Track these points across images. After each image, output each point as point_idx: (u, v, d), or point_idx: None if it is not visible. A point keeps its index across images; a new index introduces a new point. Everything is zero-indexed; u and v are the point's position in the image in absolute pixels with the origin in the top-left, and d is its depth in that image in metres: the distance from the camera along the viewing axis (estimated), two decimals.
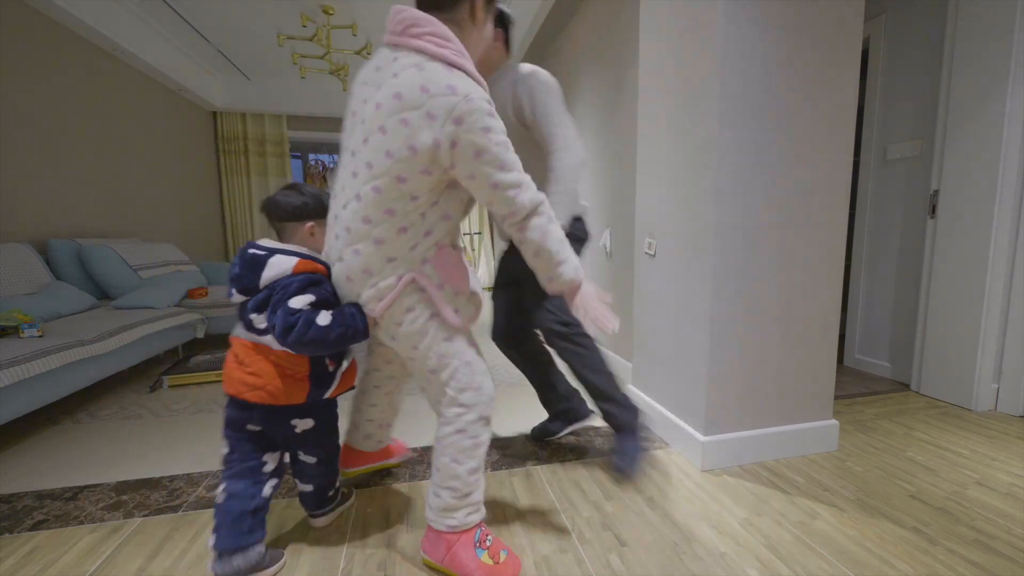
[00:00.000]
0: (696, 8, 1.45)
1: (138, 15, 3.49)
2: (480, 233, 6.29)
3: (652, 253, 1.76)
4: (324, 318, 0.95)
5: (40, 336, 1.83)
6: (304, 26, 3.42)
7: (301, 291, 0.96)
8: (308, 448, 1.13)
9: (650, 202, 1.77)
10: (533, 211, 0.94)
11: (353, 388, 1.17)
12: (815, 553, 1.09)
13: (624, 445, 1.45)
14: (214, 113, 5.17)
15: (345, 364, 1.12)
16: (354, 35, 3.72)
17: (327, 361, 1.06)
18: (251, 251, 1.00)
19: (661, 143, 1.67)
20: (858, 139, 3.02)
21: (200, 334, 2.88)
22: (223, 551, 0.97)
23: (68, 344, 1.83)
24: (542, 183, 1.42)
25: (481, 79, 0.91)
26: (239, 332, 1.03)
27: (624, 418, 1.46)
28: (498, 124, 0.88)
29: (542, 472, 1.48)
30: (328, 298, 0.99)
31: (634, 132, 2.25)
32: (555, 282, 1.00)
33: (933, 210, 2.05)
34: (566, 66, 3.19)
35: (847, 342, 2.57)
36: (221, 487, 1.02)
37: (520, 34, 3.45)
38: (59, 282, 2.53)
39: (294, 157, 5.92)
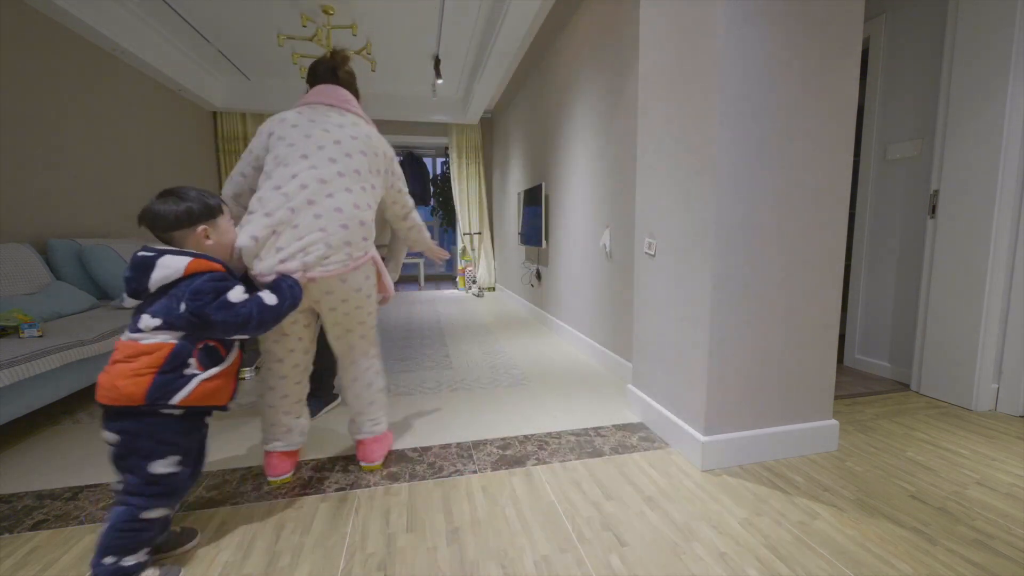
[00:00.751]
0: (696, 8, 1.45)
1: (138, 15, 3.49)
2: (480, 233, 6.29)
3: (652, 253, 1.76)
4: (270, 297, 1.11)
5: (40, 336, 1.83)
6: (304, 26, 3.42)
7: (220, 289, 1.03)
8: (119, 466, 0.96)
9: (650, 202, 1.77)
10: (412, 208, 1.62)
11: (224, 408, 1.08)
12: (815, 553, 1.09)
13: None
14: (214, 113, 5.18)
15: (212, 371, 1.03)
16: (354, 35, 3.72)
17: (192, 362, 1.00)
18: (140, 253, 0.99)
19: (661, 143, 1.67)
20: (858, 139, 3.02)
21: None
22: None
23: (68, 344, 1.83)
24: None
25: None
26: (125, 334, 1.00)
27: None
28: None
29: (542, 472, 1.48)
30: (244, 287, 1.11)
31: (634, 132, 2.25)
32: (427, 243, 1.71)
33: (933, 210, 2.05)
34: (566, 66, 3.19)
35: (847, 342, 2.57)
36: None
37: (520, 34, 3.45)
38: (59, 282, 2.53)
39: None
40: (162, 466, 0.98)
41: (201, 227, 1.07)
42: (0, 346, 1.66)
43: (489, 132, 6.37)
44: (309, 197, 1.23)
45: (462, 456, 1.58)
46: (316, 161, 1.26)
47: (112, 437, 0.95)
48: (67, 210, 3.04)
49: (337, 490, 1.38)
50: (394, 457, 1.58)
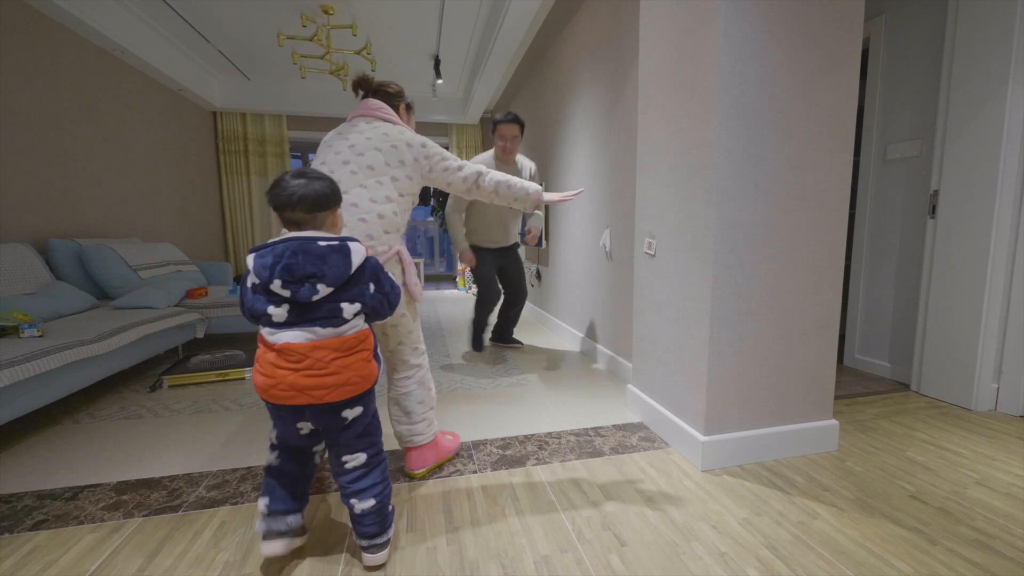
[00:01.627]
0: (696, 8, 1.45)
1: (138, 15, 3.49)
2: None
3: (652, 253, 1.76)
4: (394, 278, 1.15)
5: (40, 336, 1.83)
6: (304, 26, 3.42)
7: (383, 269, 1.09)
8: (357, 443, 1.06)
9: (650, 202, 1.77)
10: (485, 171, 1.50)
11: None
12: (815, 553, 1.09)
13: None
14: (214, 113, 5.18)
15: (378, 347, 1.17)
16: (354, 35, 3.72)
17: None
18: (321, 243, 0.97)
19: (661, 143, 1.67)
20: (858, 139, 3.02)
21: (200, 334, 2.88)
22: (274, 512, 1.05)
23: (68, 344, 1.83)
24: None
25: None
26: (294, 336, 0.95)
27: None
28: (432, 142, 1.44)
29: (542, 472, 1.48)
30: None
31: (634, 132, 2.25)
32: (529, 194, 1.55)
33: (933, 210, 2.05)
34: (566, 66, 3.19)
35: (847, 342, 2.57)
36: (274, 456, 1.10)
37: (520, 34, 3.45)
38: (59, 282, 2.53)
39: (294, 157, 5.92)
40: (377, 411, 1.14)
41: (339, 209, 1.09)
42: (0, 346, 1.66)
43: (489, 132, 6.37)
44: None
45: (462, 456, 1.58)
46: (332, 166, 1.30)
47: (357, 412, 1.04)
48: (67, 210, 3.04)
49: (337, 490, 1.38)
50: (394, 457, 1.58)
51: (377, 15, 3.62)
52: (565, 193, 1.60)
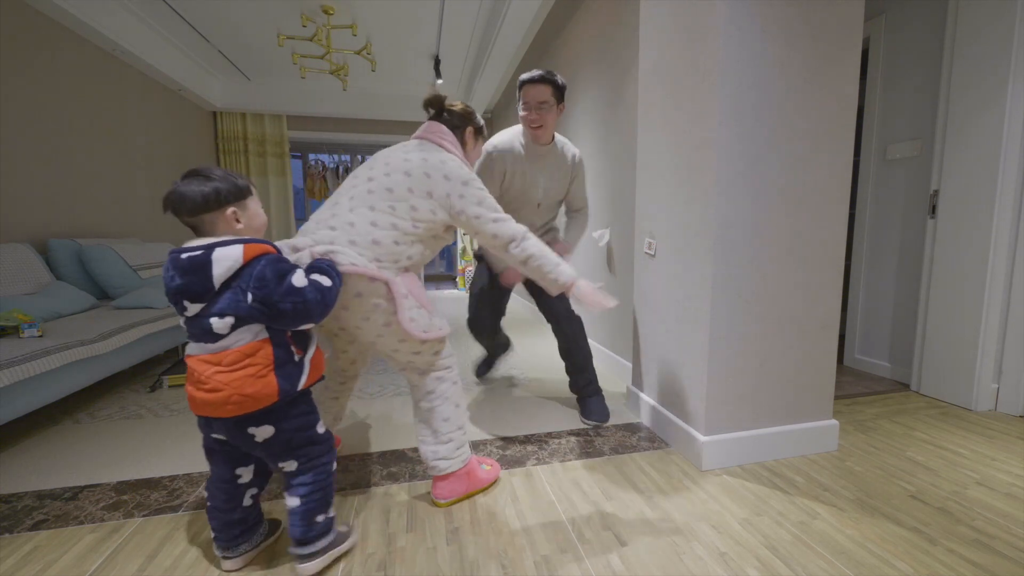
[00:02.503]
0: (696, 7, 1.45)
1: (138, 15, 3.49)
2: None
3: (652, 253, 1.76)
4: (324, 279, 1.02)
5: (40, 336, 1.83)
6: (304, 26, 3.42)
7: (283, 272, 0.96)
8: (280, 457, 1.02)
9: (650, 202, 1.77)
10: (524, 236, 1.28)
11: (323, 378, 1.22)
12: (815, 553, 1.09)
13: (596, 404, 1.88)
14: (214, 113, 5.18)
15: (311, 351, 1.05)
16: (354, 35, 3.72)
17: (293, 349, 1.00)
18: (186, 255, 0.91)
19: (661, 143, 1.67)
20: (858, 139, 3.01)
21: None
22: (222, 548, 1.06)
23: (68, 344, 1.83)
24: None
25: (467, 162, 1.40)
26: (192, 349, 0.95)
27: (595, 382, 1.95)
28: (480, 183, 1.28)
29: (542, 472, 1.48)
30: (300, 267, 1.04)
31: (634, 132, 2.25)
32: (558, 282, 1.30)
33: (933, 210, 2.05)
34: (566, 66, 3.19)
35: (847, 342, 2.57)
36: (206, 495, 1.06)
37: (520, 34, 3.45)
38: (59, 282, 2.53)
39: (294, 157, 5.92)
40: (321, 426, 1.07)
41: (231, 209, 0.98)
42: (0, 346, 1.66)
43: (489, 132, 6.37)
44: (332, 211, 1.19)
45: None
46: (358, 180, 1.23)
47: (267, 432, 0.97)
48: (67, 210, 3.04)
49: (337, 490, 1.38)
50: (394, 457, 1.58)
51: (377, 15, 3.62)
52: (601, 297, 1.30)
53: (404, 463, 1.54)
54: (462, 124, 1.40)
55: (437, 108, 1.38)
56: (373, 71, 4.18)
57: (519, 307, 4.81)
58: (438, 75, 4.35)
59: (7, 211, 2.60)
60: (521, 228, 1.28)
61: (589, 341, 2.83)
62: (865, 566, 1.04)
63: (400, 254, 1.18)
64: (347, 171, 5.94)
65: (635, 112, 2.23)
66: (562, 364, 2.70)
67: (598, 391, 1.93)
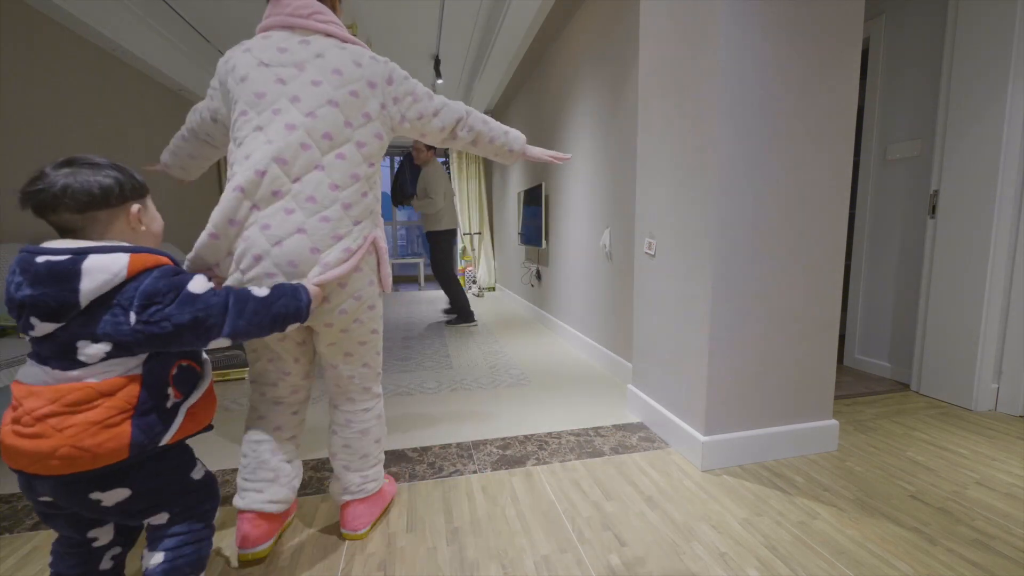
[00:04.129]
0: (696, 7, 1.45)
1: (138, 15, 3.49)
2: (480, 233, 6.29)
3: (652, 253, 1.76)
4: (260, 290, 0.85)
5: None
6: None
7: (178, 284, 0.74)
8: (144, 515, 0.79)
9: (650, 202, 1.77)
10: (468, 112, 1.15)
11: (209, 428, 0.87)
12: (815, 553, 1.09)
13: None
14: None
15: (195, 395, 0.81)
16: (354, 35, 3.72)
17: (171, 391, 0.77)
18: (43, 258, 0.68)
19: (661, 143, 1.67)
20: (858, 139, 3.01)
21: None
22: None
23: None
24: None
25: None
26: (29, 372, 0.71)
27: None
28: (397, 66, 1.09)
29: (542, 472, 1.48)
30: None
31: (634, 132, 2.25)
32: (512, 150, 1.24)
33: (933, 210, 2.05)
34: (566, 66, 3.19)
35: (847, 342, 2.57)
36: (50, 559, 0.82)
37: (520, 34, 3.45)
38: None
39: None
40: (199, 469, 0.86)
41: (135, 206, 0.78)
42: (0, 346, 1.66)
43: None
44: (273, 186, 0.92)
45: (462, 456, 1.58)
46: (273, 136, 0.93)
47: (119, 495, 0.73)
48: None
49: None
50: (394, 457, 1.58)
51: (377, 15, 3.62)
52: (552, 152, 1.31)
53: (404, 463, 1.54)
54: None
55: None
56: None
57: (519, 307, 4.81)
58: (438, 75, 4.35)
59: (7, 211, 2.60)
60: (460, 105, 1.13)
61: (589, 340, 2.84)
62: (865, 566, 1.04)
63: (373, 203, 1.03)
64: None
65: (635, 112, 2.23)
66: (562, 363, 2.72)
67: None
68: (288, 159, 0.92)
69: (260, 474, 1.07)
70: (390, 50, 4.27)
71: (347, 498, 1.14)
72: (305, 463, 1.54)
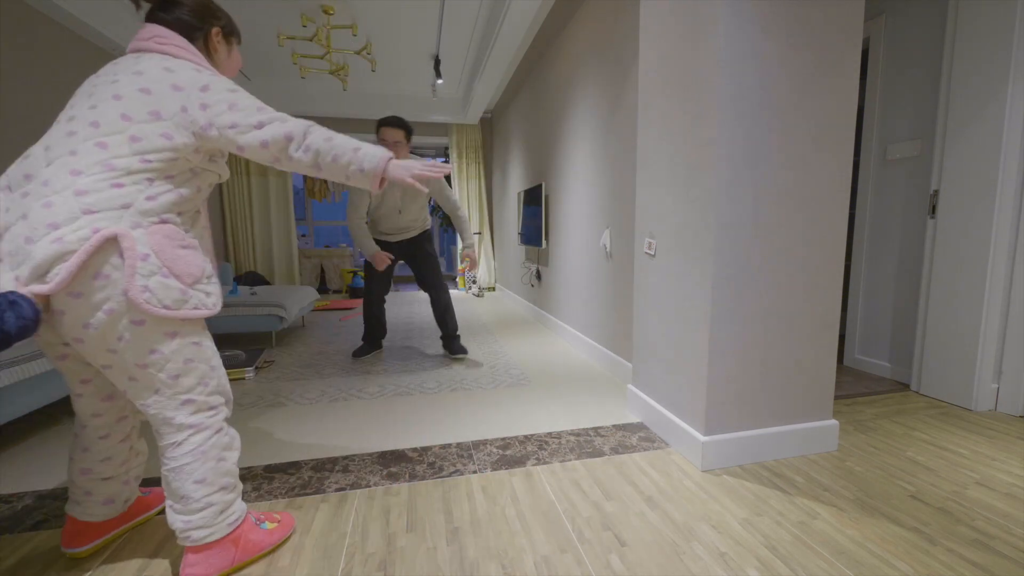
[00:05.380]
0: (696, 8, 1.45)
1: (139, 15, 3.49)
2: (480, 233, 6.29)
3: (652, 253, 1.76)
4: None
5: None
6: (304, 26, 3.42)
7: None
8: None
9: (650, 202, 1.77)
10: (306, 132, 1.01)
11: None
12: (815, 553, 1.09)
13: (458, 345, 2.83)
14: None
15: None
16: (354, 35, 3.72)
17: None
18: None
19: (661, 143, 1.67)
20: (858, 139, 3.01)
21: None
22: None
23: None
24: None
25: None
26: None
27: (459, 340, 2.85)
28: (230, 84, 1.00)
29: (542, 472, 1.48)
30: None
31: (634, 132, 2.25)
32: (364, 170, 1.06)
33: (933, 210, 2.05)
34: (566, 66, 3.19)
35: (847, 342, 2.57)
36: None
37: (520, 34, 3.45)
38: None
39: None
40: None
41: None
42: None
43: (489, 132, 6.37)
44: (25, 171, 0.90)
45: (462, 456, 1.58)
46: (57, 127, 0.93)
47: None
48: None
49: (337, 490, 1.38)
50: (394, 457, 1.58)
51: (377, 15, 3.62)
52: (418, 170, 1.12)
53: (404, 463, 1.54)
54: (200, 24, 1.05)
55: (155, 2, 1.03)
56: (373, 71, 4.18)
57: (519, 307, 4.82)
58: (438, 75, 4.35)
59: None
60: (302, 123, 1.01)
61: (589, 340, 2.84)
62: (865, 566, 1.04)
63: (131, 197, 0.88)
64: None
65: (635, 112, 2.23)
66: (562, 363, 2.72)
67: (458, 339, 2.85)
68: (52, 144, 0.90)
69: (73, 489, 1.09)
70: (390, 50, 4.27)
71: (181, 542, 0.99)
72: (305, 463, 1.54)
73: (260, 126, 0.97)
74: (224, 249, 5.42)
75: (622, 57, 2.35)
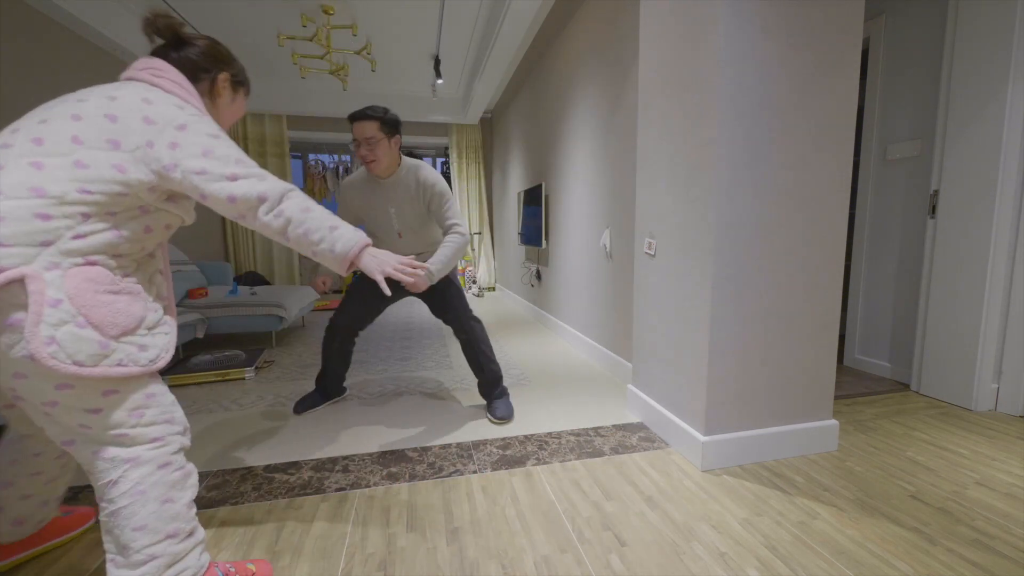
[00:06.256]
0: (696, 7, 1.45)
1: (138, 15, 3.49)
2: (480, 233, 6.29)
3: (652, 253, 1.76)
4: None
5: None
6: (304, 26, 3.42)
7: None
8: None
9: (650, 202, 1.77)
10: (282, 196, 0.92)
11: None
12: (815, 553, 1.09)
13: (502, 405, 1.94)
14: None
15: None
16: (354, 35, 3.72)
17: None
18: None
19: (661, 143, 1.67)
20: (858, 139, 3.02)
21: (200, 334, 2.88)
22: None
23: None
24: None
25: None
26: None
27: (500, 384, 2.00)
28: (215, 129, 0.90)
29: (542, 472, 1.48)
30: None
31: (634, 132, 2.25)
32: (334, 253, 0.97)
33: (933, 210, 2.05)
34: (566, 66, 3.19)
35: (847, 342, 2.57)
36: None
37: (520, 34, 3.45)
38: None
39: (294, 157, 5.92)
40: None
41: None
42: None
43: (489, 132, 6.37)
44: None
45: (462, 456, 1.58)
46: (3, 137, 0.82)
47: None
48: None
49: (337, 490, 1.38)
50: (394, 457, 1.58)
51: (377, 15, 3.62)
52: (403, 264, 1.06)
53: (404, 463, 1.54)
54: (209, 66, 1.00)
55: (168, 37, 0.97)
56: (373, 71, 4.18)
57: (519, 307, 4.82)
58: (438, 75, 4.35)
59: None
60: (281, 186, 0.92)
61: (589, 340, 2.84)
62: (865, 566, 1.04)
63: (55, 234, 0.76)
64: (347, 171, 5.93)
65: (635, 112, 2.23)
66: (562, 363, 2.71)
67: (504, 392, 2.00)
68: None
69: None
70: (390, 50, 4.27)
71: None
72: (305, 463, 1.54)
73: (233, 178, 0.87)
74: (224, 249, 5.42)
75: (622, 57, 2.35)
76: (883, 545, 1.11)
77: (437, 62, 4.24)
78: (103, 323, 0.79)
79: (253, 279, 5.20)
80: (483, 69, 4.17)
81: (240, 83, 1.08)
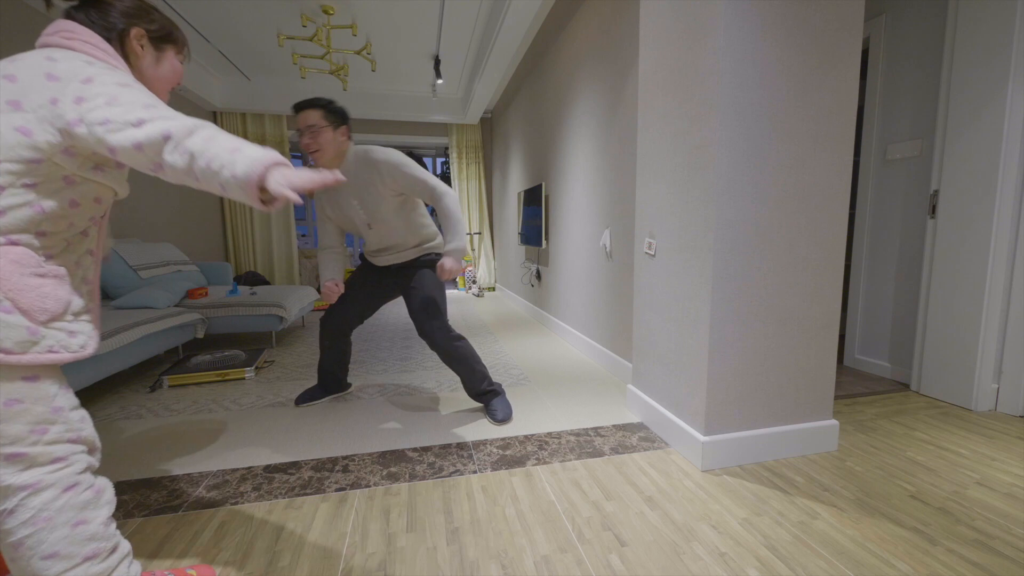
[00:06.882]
0: (696, 7, 1.45)
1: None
2: (480, 233, 6.29)
3: (652, 253, 1.76)
4: None
5: None
6: (304, 26, 3.42)
7: None
8: None
9: (650, 202, 1.77)
10: (189, 132, 0.78)
11: None
12: (815, 553, 1.09)
13: (499, 404, 1.93)
14: (214, 113, 5.18)
15: None
16: (354, 35, 3.72)
17: None
18: None
19: (661, 143, 1.67)
20: (858, 139, 3.02)
21: (200, 334, 2.88)
22: None
23: None
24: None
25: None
26: None
27: (489, 382, 1.95)
28: (127, 78, 0.81)
29: (542, 472, 1.48)
30: None
31: (634, 132, 2.25)
32: (237, 177, 0.76)
33: (933, 210, 2.05)
34: (566, 66, 3.19)
35: (847, 342, 2.57)
36: None
37: (521, 34, 3.45)
38: None
39: (294, 157, 5.92)
40: None
41: None
42: None
43: (489, 132, 6.37)
44: None
45: (462, 456, 1.58)
46: None
47: None
48: None
49: (337, 490, 1.38)
50: (394, 457, 1.58)
51: (377, 15, 3.62)
52: (311, 171, 0.81)
53: (404, 463, 1.54)
54: (122, 23, 0.88)
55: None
56: (373, 71, 4.18)
57: (519, 307, 4.81)
58: (438, 75, 4.35)
59: None
60: (191, 122, 0.79)
61: (589, 340, 2.84)
62: (865, 566, 1.04)
63: None
64: None
65: (635, 112, 2.23)
66: (563, 363, 2.71)
67: (496, 392, 1.96)
68: None
69: None
70: (390, 50, 4.27)
71: None
72: (304, 463, 1.54)
73: (139, 124, 0.76)
74: (224, 249, 5.42)
75: (622, 57, 2.35)
76: (883, 545, 1.11)
77: (437, 62, 4.24)
78: (31, 308, 0.75)
79: (253, 279, 5.20)
80: (483, 69, 4.17)
81: (164, 39, 0.93)
